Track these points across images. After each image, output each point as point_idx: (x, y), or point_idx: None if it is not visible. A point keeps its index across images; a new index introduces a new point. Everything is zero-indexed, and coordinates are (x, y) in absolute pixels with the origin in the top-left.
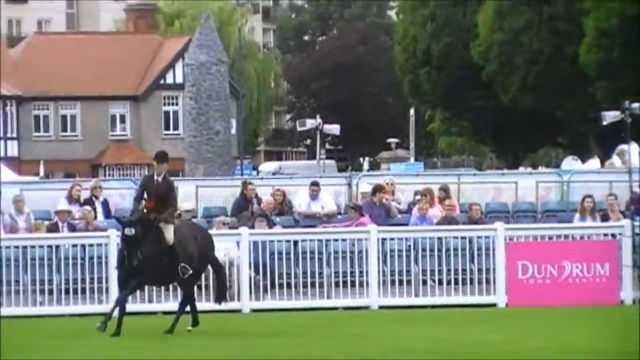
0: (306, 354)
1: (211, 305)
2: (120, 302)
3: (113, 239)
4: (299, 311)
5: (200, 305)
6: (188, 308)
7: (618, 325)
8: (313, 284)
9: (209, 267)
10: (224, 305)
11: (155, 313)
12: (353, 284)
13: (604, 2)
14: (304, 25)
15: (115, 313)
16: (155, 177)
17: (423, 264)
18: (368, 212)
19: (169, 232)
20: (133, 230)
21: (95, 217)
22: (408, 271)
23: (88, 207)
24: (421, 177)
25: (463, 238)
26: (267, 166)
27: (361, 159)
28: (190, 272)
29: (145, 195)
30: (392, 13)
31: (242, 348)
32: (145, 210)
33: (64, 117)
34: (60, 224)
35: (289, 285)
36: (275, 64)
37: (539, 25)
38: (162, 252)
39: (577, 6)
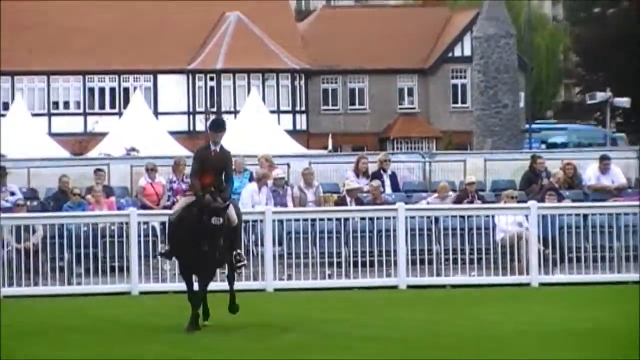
0: (599, 326)
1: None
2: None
3: (401, 212)
4: (588, 285)
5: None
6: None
7: None
8: (603, 258)
9: None
10: None
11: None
12: None
13: None
14: None
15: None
16: (212, 148)
17: None
18: None
19: (233, 212)
20: (221, 220)
21: (383, 191)
22: None
23: (377, 182)
24: None
25: None
26: (557, 140)
27: None
28: (244, 262)
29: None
30: None
31: (530, 321)
32: (201, 187)
33: (352, 91)
34: (348, 199)
35: (578, 259)
36: (564, 36)
37: None
38: (227, 236)
39: None
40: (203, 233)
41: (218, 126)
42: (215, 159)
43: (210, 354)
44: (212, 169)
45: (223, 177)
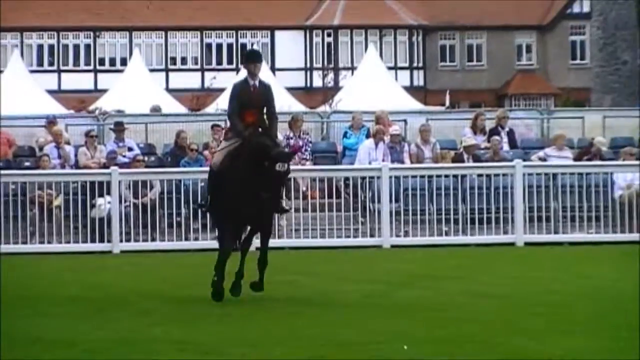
0: None
1: None
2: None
3: (519, 169)
4: None
5: None
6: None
7: None
8: None
9: None
10: None
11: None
12: None
13: None
14: None
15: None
16: (251, 83)
17: None
18: None
19: None
20: (286, 166)
21: (502, 148)
22: None
23: (497, 137)
24: None
25: None
26: None
27: None
28: (288, 209)
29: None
30: None
31: None
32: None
33: (470, 47)
34: (465, 156)
35: None
36: None
37: None
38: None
39: None
40: (263, 181)
41: (254, 57)
42: (255, 95)
43: (324, 309)
44: (253, 107)
45: (265, 115)
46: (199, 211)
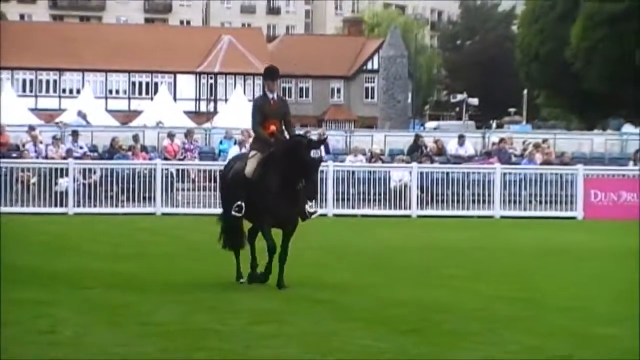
0: None
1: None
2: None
3: (331, 167)
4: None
5: None
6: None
7: None
8: (459, 200)
9: None
10: None
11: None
12: (482, 200)
13: None
14: (458, 33)
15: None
16: (270, 97)
17: (531, 189)
18: (496, 155)
19: None
20: (319, 153)
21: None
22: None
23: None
24: (529, 134)
25: (554, 174)
26: (431, 124)
27: (491, 121)
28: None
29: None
30: (514, 27)
31: None
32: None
33: (301, 88)
34: None
35: (443, 200)
36: (437, 58)
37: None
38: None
39: None
40: (299, 169)
41: (272, 74)
42: (275, 106)
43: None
44: (274, 117)
45: (284, 126)
46: (125, 189)
